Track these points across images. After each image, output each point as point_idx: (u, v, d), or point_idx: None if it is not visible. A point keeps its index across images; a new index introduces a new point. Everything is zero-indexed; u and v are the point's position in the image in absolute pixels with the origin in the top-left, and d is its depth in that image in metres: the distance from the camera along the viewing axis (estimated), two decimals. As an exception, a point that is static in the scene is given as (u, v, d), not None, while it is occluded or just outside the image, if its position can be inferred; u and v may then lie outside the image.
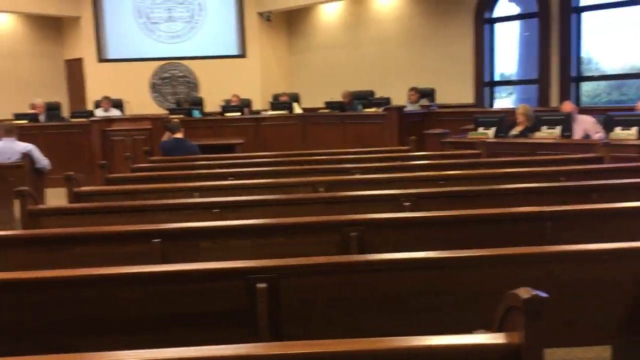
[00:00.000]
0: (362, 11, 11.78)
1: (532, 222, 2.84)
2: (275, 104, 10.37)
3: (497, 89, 10.66)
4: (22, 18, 12.09)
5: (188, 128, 7.51)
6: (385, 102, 9.35)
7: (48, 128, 9.43)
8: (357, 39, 11.86)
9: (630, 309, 2.17)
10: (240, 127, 9.60)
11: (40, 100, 10.22)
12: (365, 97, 10.13)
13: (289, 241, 2.74)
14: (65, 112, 11.35)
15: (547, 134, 6.24)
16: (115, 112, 10.38)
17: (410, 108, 9.31)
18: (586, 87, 9.74)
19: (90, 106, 11.41)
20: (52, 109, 10.48)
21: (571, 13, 9.07)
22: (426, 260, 2.15)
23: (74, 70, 12.52)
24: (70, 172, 4.06)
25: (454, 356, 1.40)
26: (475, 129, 6.82)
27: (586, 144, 5.80)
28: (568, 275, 2.16)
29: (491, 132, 6.65)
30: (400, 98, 9.78)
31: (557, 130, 6.20)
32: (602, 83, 10.13)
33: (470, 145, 6.25)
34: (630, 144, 5.54)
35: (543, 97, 9.43)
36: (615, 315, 2.19)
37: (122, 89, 11.40)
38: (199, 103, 11.27)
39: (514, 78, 10.93)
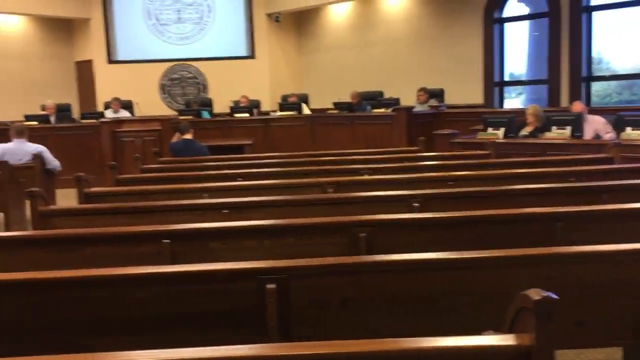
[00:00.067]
0: (371, 12, 11.78)
1: (542, 223, 2.83)
2: (284, 104, 10.38)
3: (506, 89, 10.62)
4: (33, 20, 12.18)
5: (197, 129, 7.54)
6: (394, 102, 9.34)
7: (58, 129, 9.50)
8: (366, 39, 11.86)
9: (642, 310, 2.16)
10: (249, 128, 9.62)
11: (50, 102, 10.29)
12: (374, 98, 10.12)
13: (298, 242, 2.74)
14: (76, 113, 11.42)
15: (557, 134, 6.21)
16: (124, 114, 10.43)
17: (419, 108, 9.29)
18: (596, 87, 9.68)
19: (100, 107, 11.47)
20: (63, 111, 10.54)
21: (581, 13, 9.02)
22: (435, 261, 2.14)
23: (84, 71, 12.60)
24: (80, 173, 4.09)
25: (464, 357, 1.39)
26: (484, 130, 6.80)
27: (597, 144, 5.76)
28: (579, 276, 2.14)
29: (501, 132, 6.63)
30: (409, 98, 9.76)
31: (568, 130, 6.17)
32: (613, 83, 10.06)
33: (480, 145, 6.22)
34: (642, 144, 5.50)
35: (553, 97, 9.38)
36: (626, 316, 2.17)
37: (132, 90, 11.46)
38: (208, 104, 11.31)
39: (523, 78, 10.88)
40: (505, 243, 2.35)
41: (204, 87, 12.56)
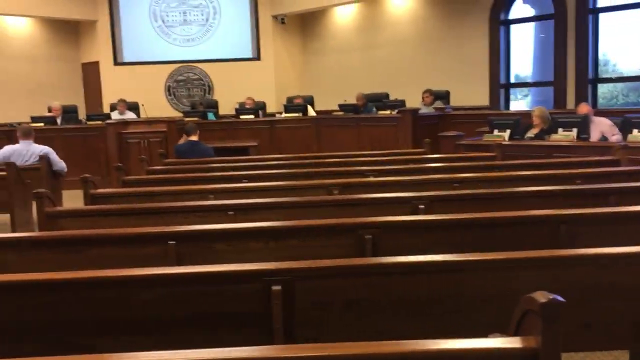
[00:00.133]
0: (376, 13, 11.78)
1: (547, 225, 2.82)
2: (290, 106, 10.38)
3: (512, 91, 10.60)
4: (39, 22, 12.24)
5: (203, 131, 7.56)
6: (399, 104, 9.32)
7: (65, 131, 9.53)
8: (371, 41, 11.86)
9: (649, 313, 2.15)
10: (254, 129, 9.63)
11: (57, 103, 10.34)
12: (380, 100, 10.11)
13: (303, 244, 2.74)
14: (82, 115, 11.47)
15: (564, 136, 6.19)
16: (130, 115, 10.47)
17: (424, 110, 9.28)
18: (603, 89, 9.65)
19: (106, 109, 11.51)
20: (69, 112, 10.59)
21: (588, 14, 9.00)
22: (441, 263, 2.14)
23: (91, 73, 12.65)
24: (86, 175, 4.10)
25: (469, 360, 1.39)
26: (490, 132, 6.78)
27: (603, 146, 5.74)
28: (584, 279, 2.13)
29: (506, 134, 6.61)
30: (414, 100, 9.75)
31: (574, 132, 6.15)
32: (619, 85, 10.02)
33: (486, 147, 6.21)
34: (648, 146, 5.48)
35: (559, 99, 9.36)
36: (632, 319, 2.16)
37: (138, 92, 11.49)
38: (213, 106, 11.33)
39: (529, 80, 10.85)
40: (511, 245, 2.34)
41: (209, 88, 12.59)
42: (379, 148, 7.74)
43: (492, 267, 2.12)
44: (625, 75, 9.73)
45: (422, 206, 3.36)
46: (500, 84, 10.20)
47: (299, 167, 5.54)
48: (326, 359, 1.36)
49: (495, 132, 6.71)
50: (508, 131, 6.64)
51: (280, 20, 12.43)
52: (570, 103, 9.05)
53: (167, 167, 5.96)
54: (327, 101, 11.35)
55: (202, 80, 12.59)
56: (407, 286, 2.09)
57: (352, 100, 10.15)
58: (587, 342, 2.21)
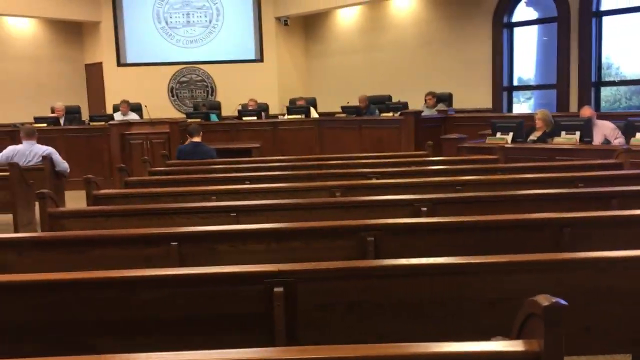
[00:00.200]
0: (379, 16, 11.78)
1: (549, 229, 2.82)
2: (292, 108, 10.39)
3: (515, 93, 10.59)
4: (43, 23, 12.27)
5: (205, 132, 7.56)
6: (402, 106, 9.32)
7: (68, 131, 9.54)
8: (374, 43, 11.86)
9: (651, 317, 2.14)
10: (257, 131, 9.64)
11: (60, 104, 10.35)
12: (382, 102, 10.10)
13: (306, 245, 2.74)
14: (85, 115, 11.49)
15: (566, 139, 6.18)
16: (133, 116, 10.48)
17: (427, 113, 9.28)
18: (606, 92, 9.64)
19: (109, 110, 11.53)
20: (72, 113, 10.61)
21: (591, 17, 8.99)
22: (443, 266, 2.13)
23: (94, 74, 12.68)
24: (89, 175, 4.11)
25: (471, 363, 1.39)
26: (493, 134, 6.78)
27: (606, 149, 5.73)
28: (587, 282, 2.13)
29: (509, 137, 6.60)
30: (417, 103, 9.75)
31: (577, 135, 6.14)
32: (622, 88, 10.00)
33: (488, 150, 6.21)
34: (651, 150, 5.46)
35: (562, 102, 9.35)
36: (635, 323, 2.16)
37: (141, 93, 11.51)
38: (216, 107, 11.34)
39: (532, 83, 10.84)
40: (513, 248, 2.34)
41: (212, 90, 12.61)
42: (382, 150, 7.74)
43: (494, 270, 2.12)
44: (628, 78, 9.71)
45: (424, 209, 3.36)
46: (503, 87, 10.19)
47: (301, 169, 5.54)
48: (328, 361, 1.36)
49: (498, 134, 6.70)
50: (511, 134, 6.63)
51: (284, 22, 12.44)
52: (573, 106, 9.04)
53: (169, 168, 5.96)
54: (330, 103, 11.36)
55: (205, 81, 12.60)
56: (409, 289, 2.09)
57: (354, 102, 10.15)
58: (587, 345, 2.20)
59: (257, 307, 2.02)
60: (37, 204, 3.52)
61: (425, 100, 9.66)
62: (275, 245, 2.75)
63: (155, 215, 3.46)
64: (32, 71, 12.04)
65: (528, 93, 11.08)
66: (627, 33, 9.08)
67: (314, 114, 10.35)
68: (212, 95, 12.57)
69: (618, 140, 6.11)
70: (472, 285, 2.11)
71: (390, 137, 8.67)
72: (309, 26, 12.99)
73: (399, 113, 8.89)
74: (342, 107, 10.01)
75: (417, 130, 8.43)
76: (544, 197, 3.69)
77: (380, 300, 2.08)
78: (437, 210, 3.36)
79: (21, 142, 6.44)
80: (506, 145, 6.25)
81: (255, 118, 10.04)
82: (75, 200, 6.34)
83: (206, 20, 12.54)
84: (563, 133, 6.26)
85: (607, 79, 9.51)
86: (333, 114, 10.63)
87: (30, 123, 9.13)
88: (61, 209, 3.62)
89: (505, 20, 10.07)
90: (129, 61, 12.40)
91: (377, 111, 9.71)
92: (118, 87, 12.04)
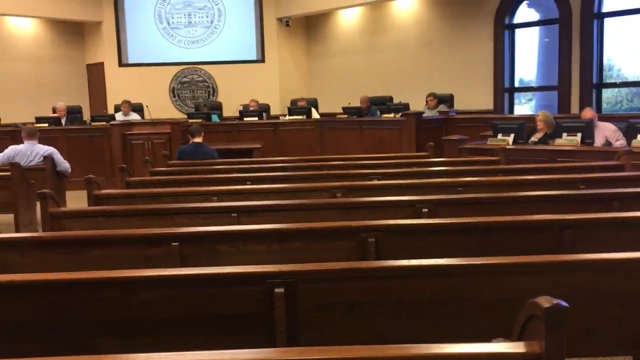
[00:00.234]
0: (381, 17, 11.78)
1: (550, 230, 2.82)
2: (293, 109, 10.39)
3: (516, 95, 10.59)
4: (45, 23, 12.28)
5: (206, 132, 7.56)
6: (403, 107, 9.32)
7: (69, 131, 9.56)
8: (376, 44, 11.86)
9: (652, 319, 2.14)
10: (258, 131, 9.64)
11: (62, 104, 10.37)
12: (383, 103, 10.11)
13: (306, 246, 2.74)
14: (86, 115, 11.50)
15: (568, 141, 6.18)
16: (134, 116, 10.49)
17: (428, 114, 9.28)
18: (607, 94, 9.63)
19: (110, 110, 11.54)
20: (73, 113, 10.62)
21: (592, 19, 8.99)
22: (444, 267, 2.14)
23: (95, 74, 12.69)
24: (90, 175, 4.12)
25: (472, 364, 1.39)
26: (494, 136, 6.77)
27: (607, 151, 5.73)
28: (587, 284, 2.13)
29: (510, 138, 6.60)
30: (418, 104, 9.75)
31: (578, 137, 6.14)
32: (624, 90, 9.99)
33: (489, 151, 6.21)
34: (652, 151, 5.46)
35: (563, 104, 9.34)
36: (636, 325, 2.16)
37: (142, 93, 11.52)
38: (217, 108, 11.34)
39: (533, 84, 10.84)
40: (513, 250, 2.35)
41: (213, 90, 12.61)
42: (383, 151, 7.74)
43: (495, 272, 2.12)
44: (629, 80, 9.70)
45: (425, 210, 3.36)
46: (505, 88, 10.19)
47: (302, 169, 5.54)
48: (329, 361, 1.36)
49: (499, 136, 6.70)
50: (512, 135, 6.63)
51: (285, 22, 12.45)
52: (575, 108, 9.03)
53: (170, 168, 5.97)
54: (331, 104, 11.36)
55: (207, 82, 12.61)
56: (410, 289, 2.09)
57: (356, 103, 10.15)
58: (587, 347, 2.20)
59: (258, 307, 2.02)
60: (38, 204, 3.52)
61: (427, 102, 9.67)
62: (276, 245, 2.75)
63: (157, 216, 3.46)
64: (33, 71, 12.05)
65: (529, 94, 11.07)
66: (629, 35, 9.07)
67: (315, 114, 10.35)
68: (213, 95, 12.57)
69: (619, 142, 6.11)
70: (472, 286, 2.11)
71: (392, 138, 8.68)
72: (311, 27, 13.00)
73: (400, 114, 8.90)
74: (344, 108, 10.02)
75: (418, 131, 8.43)
76: (545, 198, 3.69)
77: (381, 301, 2.08)
78: (438, 211, 3.36)
79: (22, 142, 6.45)
80: (507, 147, 6.25)
81: (256, 119, 10.05)
82: (76, 200, 6.35)
83: (208, 21, 12.54)
84: (564, 135, 6.26)
85: (608, 81, 9.50)
86: (334, 114, 10.63)
87: (32, 123, 9.14)
88: (62, 209, 3.62)
89: (506, 21, 10.07)
90: (130, 61, 12.41)
91: (378, 112, 9.72)
92: (119, 87, 12.05)
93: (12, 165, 5.79)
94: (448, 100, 9.90)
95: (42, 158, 6.28)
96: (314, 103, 11.14)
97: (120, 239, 2.79)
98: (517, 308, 1.43)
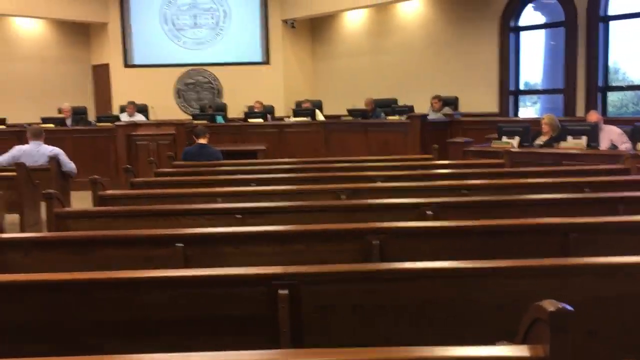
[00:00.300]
0: (386, 18, 11.78)
1: (556, 234, 2.81)
2: (298, 110, 10.40)
3: (521, 98, 10.56)
4: (50, 23, 12.32)
5: (211, 134, 7.57)
6: (408, 110, 9.32)
7: (74, 132, 9.58)
8: (381, 46, 11.86)
9: (657, 323, 2.13)
10: (263, 133, 9.65)
11: (67, 105, 10.40)
12: (388, 105, 10.11)
13: (311, 248, 2.74)
14: (92, 116, 11.54)
15: (573, 144, 6.17)
16: (140, 117, 10.52)
17: (433, 116, 9.27)
18: (612, 97, 9.61)
19: (115, 111, 11.57)
20: (79, 113, 10.65)
21: (598, 22, 8.96)
22: (448, 270, 2.13)
23: (101, 75, 12.73)
24: (95, 176, 4.13)
25: (476, 368, 1.38)
26: (499, 138, 6.76)
27: (613, 154, 5.71)
28: (592, 287, 2.12)
29: (515, 141, 6.59)
30: (423, 106, 9.75)
31: (583, 140, 6.12)
32: (629, 93, 9.97)
33: (494, 154, 6.20)
34: (658, 155, 5.44)
35: (568, 107, 9.32)
36: (638, 329, 2.15)
37: (147, 94, 11.55)
38: (222, 109, 11.36)
39: (539, 87, 10.82)
40: (518, 253, 2.34)
41: (218, 92, 12.63)
42: (387, 153, 7.74)
43: (499, 275, 2.11)
44: (635, 83, 9.69)
45: (430, 212, 3.35)
46: (510, 91, 10.17)
47: (307, 171, 5.54)
48: (333, 364, 1.36)
49: (504, 139, 6.69)
50: (517, 138, 6.61)
51: (290, 24, 12.46)
52: (580, 111, 9.01)
53: (175, 169, 5.98)
54: (336, 106, 11.36)
55: (212, 83, 12.63)
56: (414, 292, 2.08)
57: (360, 105, 10.15)
58: (592, 351, 2.19)
59: (262, 309, 2.02)
60: (43, 204, 3.54)
61: (432, 104, 9.66)
62: (280, 247, 2.75)
63: (161, 216, 3.47)
64: (39, 72, 12.09)
65: (534, 97, 11.06)
66: (635, 38, 9.05)
67: (319, 116, 10.35)
68: (218, 97, 12.59)
69: (625, 145, 6.09)
70: (476, 289, 2.11)
71: (396, 140, 8.67)
72: (316, 29, 13.00)
73: (405, 116, 8.90)
74: (348, 110, 10.01)
75: (423, 133, 8.42)
76: (550, 201, 3.68)
77: (385, 303, 2.08)
78: (442, 214, 3.36)
79: (28, 143, 6.47)
80: (512, 150, 6.24)
81: (261, 120, 10.06)
82: (81, 200, 6.36)
83: (213, 23, 12.57)
84: (569, 138, 6.24)
85: (614, 84, 9.48)
86: (339, 116, 10.63)
87: (37, 123, 9.16)
88: (67, 209, 3.63)
89: (512, 24, 10.05)
90: (135, 62, 12.44)
91: (383, 114, 9.72)
92: (125, 88, 12.08)
93: (18, 166, 5.81)
94: (453, 102, 9.89)
95: (47, 158, 6.29)
96: (318, 105, 11.14)
97: (124, 239, 2.80)
98: (522, 311, 1.43)
